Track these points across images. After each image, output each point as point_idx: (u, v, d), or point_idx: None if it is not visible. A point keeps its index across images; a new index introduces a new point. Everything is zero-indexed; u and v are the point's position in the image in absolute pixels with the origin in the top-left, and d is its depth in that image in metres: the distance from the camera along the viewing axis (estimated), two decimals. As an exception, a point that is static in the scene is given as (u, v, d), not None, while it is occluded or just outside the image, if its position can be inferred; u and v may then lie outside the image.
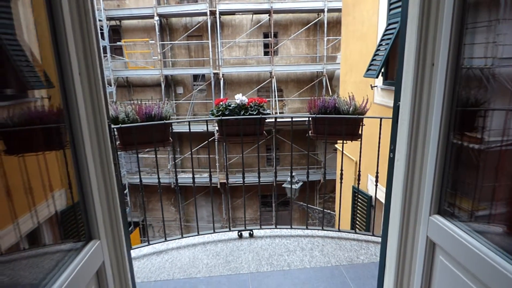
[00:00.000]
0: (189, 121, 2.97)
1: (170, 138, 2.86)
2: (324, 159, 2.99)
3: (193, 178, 3.09)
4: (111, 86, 13.29)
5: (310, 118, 2.88)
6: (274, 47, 13.00)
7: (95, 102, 1.07)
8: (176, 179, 3.34)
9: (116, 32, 14.38)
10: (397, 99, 1.52)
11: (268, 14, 12.84)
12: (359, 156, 3.05)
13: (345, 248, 2.90)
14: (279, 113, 13.53)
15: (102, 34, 12.81)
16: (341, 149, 4.36)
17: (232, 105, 2.88)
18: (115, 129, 2.66)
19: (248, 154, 13.92)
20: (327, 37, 12.67)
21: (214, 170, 13.88)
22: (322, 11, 12.44)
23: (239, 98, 2.90)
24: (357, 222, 6.45)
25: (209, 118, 2.85)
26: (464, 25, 1.04)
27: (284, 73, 13.60)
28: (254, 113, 2.86)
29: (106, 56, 13.03)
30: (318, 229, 3.21)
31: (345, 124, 2.80)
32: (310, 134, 2.93)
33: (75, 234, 0.99)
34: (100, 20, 12.71)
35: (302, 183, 9.21)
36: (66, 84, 0.90)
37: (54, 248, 0.92)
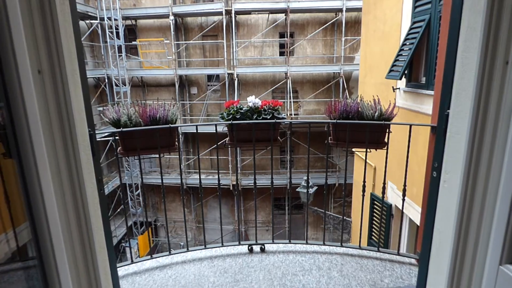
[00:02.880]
0: (196, 126, 2.74)
1: (176, 143, 2.64)
2: (345, 169, 2.71)
3: (200, 182, 2.86)
4: (125, 85, 13.27)
5: (330, 124, 2.60)
6: (290, 47, 12.70)
7: (63, 108, 0.83)
8: (182, 184, 3.09)
9: (131, 32, 14.39)
10: (444, 106, 1.24)
11: (284, 14, 12.56)
12: (385, 166, 2.75)
13: (367, 269, 2.60)
14: (294, 114, 13.21)
15: (117, 33, 12.80)
16: (358, 153, 4.06)
17: (244, 108, 2.63)
18: (116, 134, 2.45)
19: (262, 156, 13.66)
20: (345, 37, 12.29)
21: (226, 172, 13.68)
22: (340, 10, 12.07)
23: (252, 100, 2.64)
24: (374, 230, 6.10)
25: (218, 123, 2.61)
26: None
27: (299, 74, 13.29)
28: (268, 117, 2.60)
29: (121, 55, 13.03)
30: (336, 246, 2.92)
31: (370, 130, 2.51)
32: (329, 141, 2.65)
33: (27, 285, 0.76)
34: (115, 20, 12.71)
35: (316, 187, 8.89)
36: (8, 84, 0.67)
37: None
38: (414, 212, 4.84)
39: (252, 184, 13.33)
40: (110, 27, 12.66)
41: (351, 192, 8.76)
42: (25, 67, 0.69)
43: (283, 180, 13.19)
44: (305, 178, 8.45)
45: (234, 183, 13.47)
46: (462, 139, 1.01)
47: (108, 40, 12.87)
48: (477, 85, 0.92)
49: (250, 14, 13.15)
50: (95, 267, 1.00)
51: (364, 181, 2.75)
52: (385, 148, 2.57)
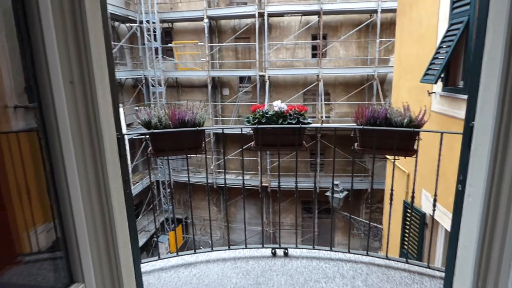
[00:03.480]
0: (222, 129, 2.81)
1: (202, 145, 2.71)
2: (371, 175, 2.66)
3: (225, 183, 2.92)
4: (161, 86, 13.76)
5: (357, 129, 2.56)
6: (322, 49, 12.55)
7: (92, 114, 0.91)
8: (207, 184, 3.18)
9: (168, 34, 14.89)
10: (470, 117, 1.19)
11: (317, 16, 12.43)
12: (414, 174, 2.67)
13: (393, 280, 2.53)
14: (326, 117, 13.02)
15: (155, 36, 13.30)
16: (391, 159, 3.94)
17: (269, 113, 2.66)
18: (147, 135, 2.57)
19: (291, 159, 13.60)
20: (379, 39, 11.94)
21: (256, 173, 13.74)
22: (375, 11, 11.74)
23: (278, 105, 2.66)
24: (406, 240, 5.88)
25: (244, 126, 2.65)
26: None
27: (332, 76, 13.08)
28: (293, 122, 2.61)
29: (158, 57, 13.53)
30: (362, 254, 2.86)
31: (398, 138, 2.44)
32: (356, 147, 2.60)
33: (53, 276, 0.84)
34: (153, 23, 13.22)
35: (346, 192, 8.70)
36: (42, 96, 0.75)
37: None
38: (450, 222, 4.61)
39: (282, 186, 13.28)
40: (148, 30, 13.20)
41: (383, 198, 8.48)
42: (57, 79, 0.77)
43: (313, 183, 13.04)
44: (335, 182, 8.33)
45: (264, 184, 13.52)
46: (485, 152, 0.97)
47: (146, 42, 13.42)
48: (499, 97, 0.89)
49: (282, 16, 13.15)
50: (118, 263, 1.07)
51: (392, 189, 2.68)
52: (415, 156, 2.49)
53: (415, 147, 2.50)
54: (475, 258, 1.05)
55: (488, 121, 0.98)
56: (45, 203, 0.83)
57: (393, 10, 11.58)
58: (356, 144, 2.61)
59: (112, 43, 11.89)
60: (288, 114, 2.65)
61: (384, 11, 11.57)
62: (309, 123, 2.62)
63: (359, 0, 12.23)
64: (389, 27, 12.39)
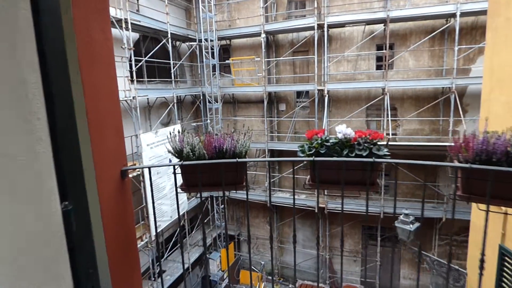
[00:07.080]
0: (268, 161, 2.22)
1: (243, 179, 2.16)
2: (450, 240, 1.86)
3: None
4: (217, 102, 13.75)
5: (459, 168, 1.79)
6: (389, 60, 11.43)
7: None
8: (247, 211, 2.61)
9: (226, 51, 14.97)
10: None
11: (383, 24, 11.41)
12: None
13: None
14: (392, 134, 11.74)
15: (212, 53, 13.39)
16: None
17: (330, 141, 2.02)
18: (176, 166, 2.10)
19: (352, 179, 12.46)
20: (458, 47, 10.46)
21: (312, 193, 12.86)
22: (453, 16, 10.35)
23: (342, 130, 2.01)
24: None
25: (297, 159, 2.04)
26: None
27: (399, 90, 11.84)
28: (364, 154, 1.93)
29: (215, 73, 13.59)
30: None
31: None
32: (456, 193, 1.83)
33: None
34: (211, 41, 13.33)
35: (418, 224, 7.46)
36: None
37: None
38: None
39: (339, 209, 12.16)
40: (207, 47, 13.34)
41: (460, 229, 7.03)
42: None
43: (376, 207, 11.78)
44: (405, 212, 7.21)
45: (321, 205, 12.56)
46: None
47: (204, 59, 13.58)
48: None
49: (344, 27, 12.36)
50: None
51: (483, 254, 1.83)
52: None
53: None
54: None
55: None
56: None
57: (475, 13, 10.14)
58: (456, 187, 1.84)
59: (173, 61, 12.14)
60: (356, 142, 1.99)
61: (463, 14, 10.13)
62: (388, 155, 1.92)
63: (433, 3, 10.95)
64: (469, 32, 10.86)
